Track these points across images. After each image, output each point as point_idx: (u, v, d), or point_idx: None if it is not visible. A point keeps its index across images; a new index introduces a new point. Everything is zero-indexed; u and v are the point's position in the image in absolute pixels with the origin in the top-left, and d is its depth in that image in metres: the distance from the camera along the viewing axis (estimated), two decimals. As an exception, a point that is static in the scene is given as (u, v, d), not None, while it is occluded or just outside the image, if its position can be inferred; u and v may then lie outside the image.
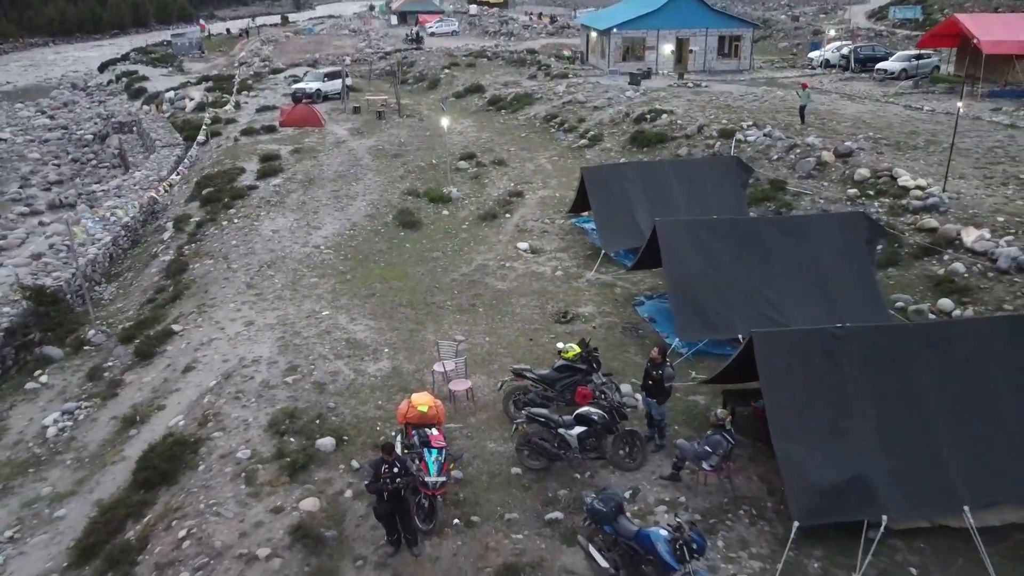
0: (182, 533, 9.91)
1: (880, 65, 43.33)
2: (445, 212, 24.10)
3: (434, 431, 10.33)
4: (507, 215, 23.49)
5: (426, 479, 9.68)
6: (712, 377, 12.18)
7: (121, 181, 36.15)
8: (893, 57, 43.85)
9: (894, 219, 19.66)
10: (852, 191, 21.69)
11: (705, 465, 10.25)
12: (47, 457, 12.76)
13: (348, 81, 47.64)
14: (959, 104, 22.58)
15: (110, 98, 65.26)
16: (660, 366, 11.27)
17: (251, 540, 9.69)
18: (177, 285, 18.47)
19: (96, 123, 53.75)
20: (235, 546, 9.61)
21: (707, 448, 10.16)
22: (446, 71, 54.94)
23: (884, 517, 9.25)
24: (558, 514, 10.04)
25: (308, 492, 10.55)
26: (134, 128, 46.34)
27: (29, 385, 15.25)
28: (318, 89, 45.03)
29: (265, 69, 66.40)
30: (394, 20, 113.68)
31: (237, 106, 44.47)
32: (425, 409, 10.54)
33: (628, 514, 9.09)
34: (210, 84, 56.81)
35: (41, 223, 32.37)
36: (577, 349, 12.28)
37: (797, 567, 9.09)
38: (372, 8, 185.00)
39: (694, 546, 8.23)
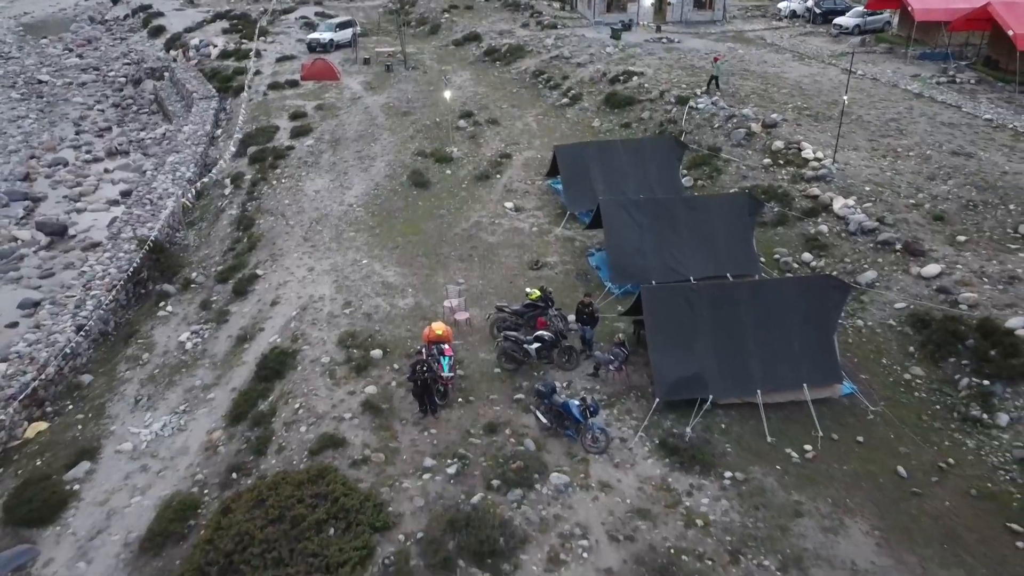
0: (296, 405, 16.60)
1: (837, 20, 48.26)
2: (448, 172, 30.13)
3: (446, 346, 16.84)
4: (497, 175, 29.54)
5: (441, 374, 16.26)
6: (626, 311, 18.68)
7: (167, 131, 41.90)
8: (849, 12, 48.68)
9: (792, 186, 25.77)
10: (767, 160, 27.70)
11: (611, 367, 16.87)
12: (191, 362, 19.41)
13: (357, 30, 52.54)
14: (845, 97, 27.93)
15: (130, 34, 69.49)
16: (589, 306, 17.77)
17: (339, 409, 16.38)
18: (250, 238, 24.81)
19: (126, 65, 58.62)
20: (329, 412, 16.30)
21: (610, 356, 16.77)
22: (446, 15, 59.36)
23: (711, 396, 15.92)
24: (521, 395, 16.70)
25: (368, 382, 17.20)
26: (165, 74, 51.31)
27: (160, 313, 21.81)
28: (331, 39, 50.01)
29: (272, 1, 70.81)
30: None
31: (258, 55, 49.43)
32: (440, 331, 17.02)
33: (559, 393, 15.72)
34: (227, 25, 61.35)
35: (106, 170, 38.34)
36: (538, 293, 18.74)
37: (657, 424, 15.77)
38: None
39: (592, 409, 14.91)
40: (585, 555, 12.79)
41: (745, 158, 28.42)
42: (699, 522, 13.42)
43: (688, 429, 15.45)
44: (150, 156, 38.99)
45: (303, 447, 15.36)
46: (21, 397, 18.14)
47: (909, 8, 40.30)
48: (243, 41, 54.44)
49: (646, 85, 36.40)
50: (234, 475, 15.26)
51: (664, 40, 46.49)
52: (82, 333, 20.79)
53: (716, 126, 31.10)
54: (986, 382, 16.26)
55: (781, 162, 27.43)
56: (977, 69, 37.05)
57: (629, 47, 44.25)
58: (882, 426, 15.74)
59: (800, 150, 27.51)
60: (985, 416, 15.65)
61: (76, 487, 15.70)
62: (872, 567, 12.60)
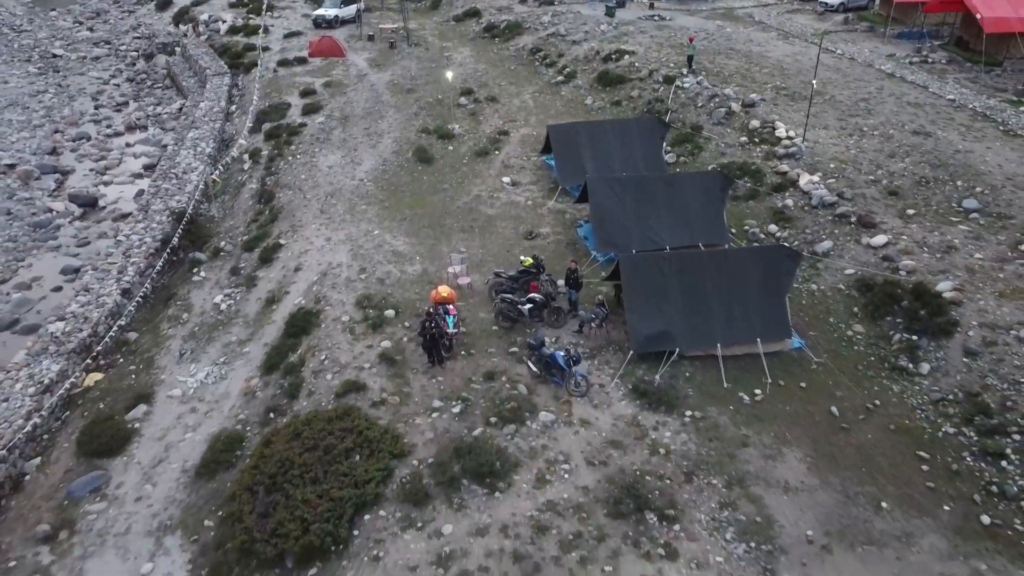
0: (321, 357, 19.29)
1: (822, -1, 50.22)
2: (450, 148, 32.53)
3: (450, 306, 19.46)
4: (496, 152, 31.96)
5: (447, 330, 18.91)
6: (607, 276, 21.28)
7: (183, 106, 44.09)
8: (836, -10, 50.59)
9: (764, 163, 28.23)
10: (743, 139, 30.11)
11: (592, 324, 19.53)
12: (226, 321, 22.08)
13: (361, 6, 54.42)
14: (814, 81, 30.11)
15: (138, 7, 71.12)
16: (575, 272, 20.39)
17: (359, 360, 19.08)
18: (271, 210, 27.35)
19: (136, 39, 60.48)
20: (351, 363, 19.00)
21: (592, 315, 19.43)
22: (447, -12, 61.02)
23: (677, 349, 18.60)
24: (515, 349, 19.38)
25: (383, 337, 19.87)
26: (176, 50, 53.31)
27: (195, 278, 24.44)
28: (336, 15, 51.98)
29: None
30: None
31: (266, 31, 51.37)
32: (445, 294, 19.64)
33: (547, 346, 18.39)
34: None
35: (127, 144, 40.70)
36: (531, 260, 21.34)
37: (631, 372, 18.47)
38: None
39: (575, 359, 17.61)
40: (566, 476, 15.57)
41: (724, 136, 30.80)
42: (661, 451, 16.18)
43: (657, 376, 18.16)
44: (168, 130, 41.30)
45: (330, 391, 18.10)
46: (79, 350, 20.85)
47: (888, -11, 42.36)
48: (250, 16, 56.32)
49: (636, 64, 38.59)
50: (271, 415, 18.02)
51: (656, 17, 48.45)
52: (126, 296, 23.44)
53: (699, 105, 33.41)
54: (914, 337, 18.94)
55: (756, 140, 29.84)
56: (948, 49, 39.25)
57: (622, 24, 46.28)
58: (823, 374, 18.46)
59: (774, 129, 29.90)
60: (910, 365, 18.35)
61: (136, 425, 18.47)
62: (802, 485, 15.39)
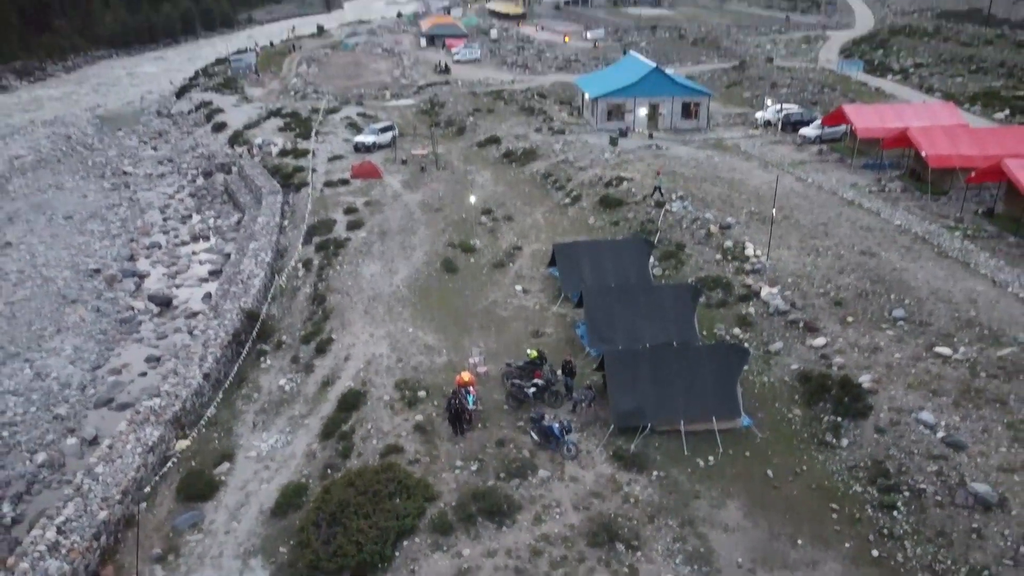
0: (368, 427, 24.43)
1: (801, 131, 57.09)
2: (472, 260, 38.46)
3: (471, 388, 24.67)
4: (511, 264, 37.80)
5: (467, 407, 24.06)
6: (596, 367, 26.46)
7: (240, 219, 50.79)
8: (812, 124, 57.48)
9: (735, 277, 33.69)
10: (718, 256, 35.76)
11: (583, 404, 24.62)
12: (289, 399, 27.38)
13: (396, 133, 62.15)
14: (774, 210, 35.94)
15: (196, 128, 79.72)
16: (570, 363, 25.67)
17: (397, 429, 24.18)
18: (324, 310, 33.07)
19: (196, 158, 68.37)
20: (391, 431, 24.11)
21: (583, 397, 24.56)
22: (470, 117, 69.04)
23: (649, 423, 23.59)
24: (521, 423, 24.42)
25: (417, 412, 25.03)
26: (233, 169, 60.81)
27: (262, 365, 29.93)
28: (374, 141, 59.59)
29: (314, 94, 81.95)
30: (423, 42, 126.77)
31: (312, 155, 58.84)
32: (467, 378, 24.88)
33: (546, 419, 23.43)
34: (281, 123, 71.34)
35: (194, 252, 47.15)
36: (536, 353, 26.66)
37: (612, 442, 23.36)
38: (399, 15, 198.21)
39: (568, 429, 22.67)
40: (557, 516, 20.35)
41: (703, 253, 36.48)
42: (632, 499, 20.96)
43: (632, 445, 23.08)
44: (228, 240, 47.81)
45: (375, 452, 23.16)
46: (172, 420, 26.12)
47: (852, 127, 49.05)
48: (298, 140, 64.22)
49: (633, 189, 44.92)
50: (328, 471, 23.04)
51: (654, 147, 55.36)
52: (206, 379, 28.88)
53: (684, 226, 39.31)
54: (838, 418, 23.80)
55: (729, 257, 35.46)
56: (904, 180, 45.35)
57: (624, 152, 53.16)
58: (764, 446, 23.29)
59: (744, 248, 35.58)
60: (833, 440, 23.16)
61: (223, 478, 23.51)
62: (738, 527, 20.05)
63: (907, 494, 20.52)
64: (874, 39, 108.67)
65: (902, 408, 23.37)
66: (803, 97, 71.25)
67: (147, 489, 23.34)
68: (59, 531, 20.84)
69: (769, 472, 22.15)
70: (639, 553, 19.12)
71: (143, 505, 22.81)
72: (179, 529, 21.54)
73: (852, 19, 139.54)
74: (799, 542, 19.54)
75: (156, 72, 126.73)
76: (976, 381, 24.32)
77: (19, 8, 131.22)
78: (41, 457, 26.97)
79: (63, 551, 20.17)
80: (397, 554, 19.35)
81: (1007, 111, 62.72)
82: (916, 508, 20.04)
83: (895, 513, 20.15)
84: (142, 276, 43.25)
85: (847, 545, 19.43)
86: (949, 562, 18.47)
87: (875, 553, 19.12)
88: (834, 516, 20.42)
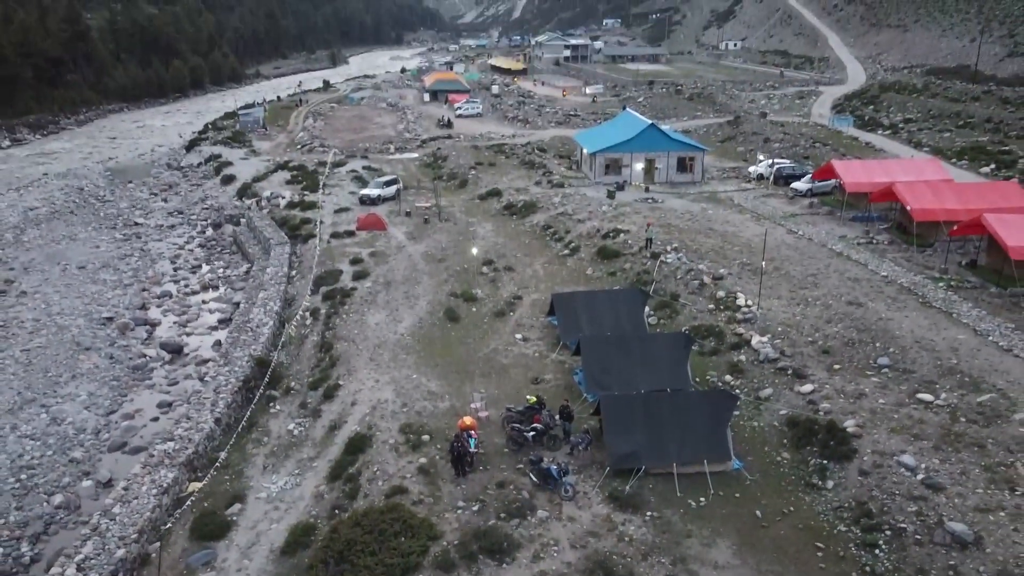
0: (374, 469, 25.47)
1: (793, 184, 59.04)
2: (473, 309, 39.82)
3: (472, 432, 25.78)
4: (511, 313, 39.15)
5: (469, 449, 25.14)
6: (593, 412, 27.60)
7: (249, 269, 52.33)
8: (803, 178, 59.42)
9: (726, 326, 35.00)
10: (711, 306, 37.12)
11: (580, 447, 25.71)
12: (298, 443, 28.45)
13: (400, 186, 64.15)
14: (763, 263, 37.47)
15: (205, 181, 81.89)
16: (567, 407, 26.84)
17: (402, 471, 25.23)
18: (330, 357, 34.32)
19: (204, 209, 70.31)
20: (396, 473, 25.16)
21: (580, 440, 25.66)
22: (472, 171, 71.15)
23: (643, 466, 24.64)
24: (520, 465, 25.47)
25: (421, 455, 26.09)
26: (241, 220, 62.63)
27: (271, 410, 31.07)
28: (379, 194, 61.53)
29: (320, 147, 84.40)
30: (427, 97, 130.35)
31: (320, 207, 60.70)
32: (469, 422, 26.01)
33: (545, 462, 24.50)
34: (288, 176, 73.47)
35: (203, 301, 48.56)
36: (535, 399, 27.84)
37: (607, 484, 24.39)
38: (403, 71, 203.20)
39: (565, 471, 23.74)
40: (555, 554, 21.31)
41: (696, 303, 37.86)
42: (627, 538, 21.92)
43: (627, 487, 24.10)
44: (237, 290, 49.24)
45: (380, 493, 24.18)
46: (185, 463, 27.17)
47: (841, 182, 50.92)
48: (305, 192, 66.18)
49: (629, 241, 46.51)
50: (336, 511, 24.02)
51: (650, 200, 57.23)
52: (217, 423, 29.99)
53: (679, 277, 40.77)
54: (824, 461, 24.87)
55: (722, 307, 36.82)
56: (891, 232, 47.00)
57: (621, 205, 54.97)
58: (754, 488, 24.31)
59: (736, 298, 36.97)
60: (820, 482, 24.19)
61: (234, 518, 24.48)
62: (727, 564, 20.99)
63: (888, 533, 21.50)
64: (865, 95, 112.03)
65: (885, 451, 24.45)
66: (795, 151, 73.58)
67: (163, 529, 24.27)
68: (78, 568, 21.82)
69: (758, 512, 23.13)
70: (633, 589, 20.04)
71: (157, 545, 23.74)
72: (192, 567, 22.45)
73: (844, 75, 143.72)
74: (785, 579, 20.48)
75: (166, 125, 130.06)
76: (956, 426, 25.46)
77: (33, 64, 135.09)
78: (58, 499, 27.90)
79: (82, 587, 21.11)
80: (402, 590, 20.27)
81: (992, 165, 64.82)
82: (897, 546, 21.00)
83: (877, 551, 21.10)
84: (153, 324, 44.55)
85: (831, 582, 20.36)
86: (928, 598, 19.41)
87: (858, 589, 20.06)
88: (819, 555, 21.36)
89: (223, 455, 28.63)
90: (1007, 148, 70.35)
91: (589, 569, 20.59)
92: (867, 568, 20.66)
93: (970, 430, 25.16)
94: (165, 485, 25.81)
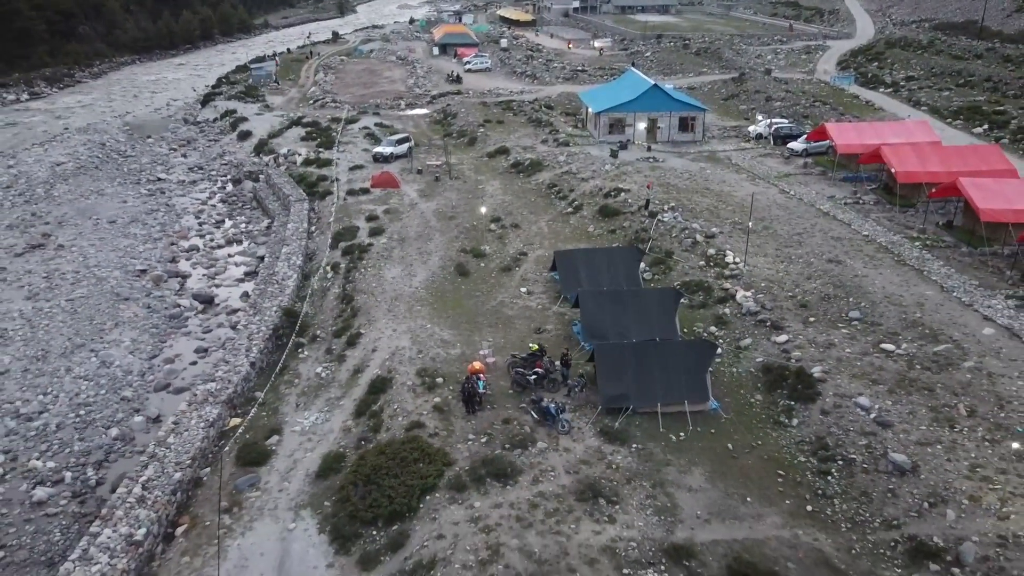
0: (394, 407, 28.94)
1: (789, 144, 61.37)
2: (482, 264, 42.92)
3: (481, 376, 29.12)
4: (517, 268, 42.25)
5: (479, 390, 28.53)
6: (588, 359, 30.89)
7: (270, 224, 55.42)
8: (800, 138, 61.69)
9: (715, 282, 38.03)
10: (702, 263, 40.12)
11: (576, 389, 29.08)
12: (326, 384, 31.93)
13: (412, 144, 66.72)
14: (750, 223, 40.28)
15: (222, 136, 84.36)
16: (567, 355, 30.16)
17: (419, 409, 28.69)
18: (351, 309, 37.63)
19: (223, 165, 73.05)
20: (414, 411, 28.62)
21: (576, 383, 29.03)
22: (481, 128, 73.48)
23: (631, 406, 28.01)
24: (523, 405, 28.87)
25: (435, 395, 29.52)
26: (260, 177, 65.42)
27: (300, 356, 34.52)
28: (392, 152, 64.18)
29: (332, 103, 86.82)
30: (436, 51, 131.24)
31: (336, 165, 63.43)
32: (478, 367, 29.34)
33: (544, 401, 27.90)
34: (303, 132, 75.97)
35: (229, 255, 51.81)
36: (537, 347, 31.15)
37: (599, 420, 27.76)
38: (412, 21, 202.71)
39: (562, 410, 27.16)
40: (552, 478, 24.81)
41: (688, 260, 40.86)
42: (614, 466, 25.38)
43: (616, 423, 27.51)
44: (260, 244, 52.41)
45: (401, 428, 27.67)
46: (226, 401, 30.73)
47: (834, 144, 53.33)
48: (320, 149, 68.81)
49: (629, 200, 49.31)
50: (362, 442, 27.55)
51: (651, 159, 59.73)
52: (252, 367, 33.47)
53: (674, 235, 43.69)
54: (792, 403, 28.17)
55: (711, 264, 39.83)
56: (878, 193, 49.60)
57: (623, 164, 57.57)
58: (728, 425, 27.68)
59: (725, 256, 39.93)
60: (786, 421, 27.53)
61: (273, 448, 28.07)
62: (699, 488, 24.45)
63: (840, 463, 24.90)
64: (870, 51, 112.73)
65: (845, 394, 27.73)
66: (796, 110, 75.46)
67: (214, 455, 27.91)
68: (143, 487, 25.47)
69: (730, 446, 26.54)
70: (617, 507, 23.53)
71: (207, 470, 27.38)
72: (240, 488, 26.08)
73: (853, 29, 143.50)
74: (748, 500, 23.94)
75: (179, 78, 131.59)
76: (911, 372, 28.69)
77: (46, 17, 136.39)
78: (114, 432, 31.58)
79: (149, 503, 24.78)
80: (421, 506, 23.84)
81: (986, 125, 66.77)
82: (847, 474, 24.43)
83: (829, 478, 24.53)
84: (184, 276, 47.86)
85: (787, 503, 23.83)
86: (868, 515, 22.87)
87: (809, 508, 23.52)
88: (780, 480, 24.81)
89: (260, 395, 32.15)
90: (1002, 108, 72.09)
91: (580, 490, 24.08)
92: (819, 492, 24.10)
93: (923, 376, 28.38)
94: (211, 419, 29.38)
